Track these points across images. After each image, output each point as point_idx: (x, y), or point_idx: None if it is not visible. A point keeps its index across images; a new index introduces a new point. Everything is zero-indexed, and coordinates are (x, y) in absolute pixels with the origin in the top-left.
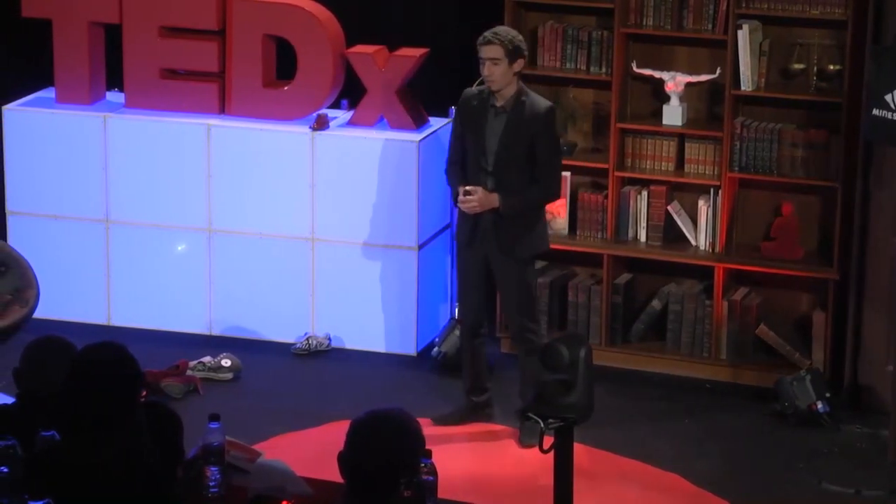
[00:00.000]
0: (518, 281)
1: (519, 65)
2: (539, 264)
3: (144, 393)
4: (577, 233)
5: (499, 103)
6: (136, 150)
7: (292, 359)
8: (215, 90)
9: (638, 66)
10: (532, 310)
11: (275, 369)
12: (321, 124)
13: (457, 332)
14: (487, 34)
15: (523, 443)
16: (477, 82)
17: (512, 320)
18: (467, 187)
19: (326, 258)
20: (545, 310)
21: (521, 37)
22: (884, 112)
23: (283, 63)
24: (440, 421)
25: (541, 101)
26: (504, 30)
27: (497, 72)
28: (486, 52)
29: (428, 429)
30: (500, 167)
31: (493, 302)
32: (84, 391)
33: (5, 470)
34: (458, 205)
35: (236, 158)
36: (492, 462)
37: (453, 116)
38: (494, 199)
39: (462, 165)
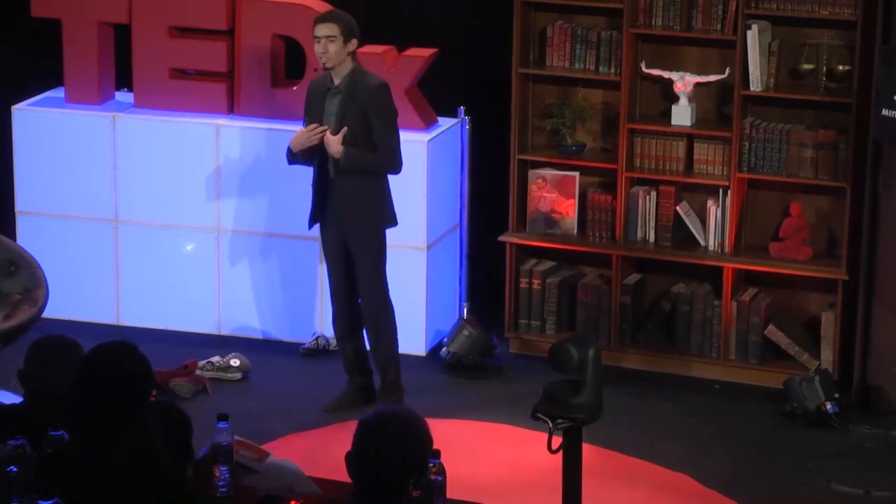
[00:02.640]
0: (364, 258)
1: (353, 45)
2: (548, 264)
3: (154, 392)
4: (586, 233)
5: (335, 83)
6: (145, 149)
7: (301, 359)
8: (224, 90)
9: (647, 67)
10: (381, 289)
11: (283, 369)
12: None
13: (465, 332)
14: (324, 13)
15: (325, 408)
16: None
17: (365, 296)
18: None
19: None
20: (554, 310)
21: (353, 19)
22: (893, 112)
23: (292, 63)
24: (329, 408)
25: (373, 79)
26: (339, 11)
27: (332, 49)
28: (322, 30)
29: (436, 429)
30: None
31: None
32: (94, 390)
33: (15, 469)
34: (302, 141)
35: (245, 158)
36: (500, 462)
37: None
38: (339, 148)
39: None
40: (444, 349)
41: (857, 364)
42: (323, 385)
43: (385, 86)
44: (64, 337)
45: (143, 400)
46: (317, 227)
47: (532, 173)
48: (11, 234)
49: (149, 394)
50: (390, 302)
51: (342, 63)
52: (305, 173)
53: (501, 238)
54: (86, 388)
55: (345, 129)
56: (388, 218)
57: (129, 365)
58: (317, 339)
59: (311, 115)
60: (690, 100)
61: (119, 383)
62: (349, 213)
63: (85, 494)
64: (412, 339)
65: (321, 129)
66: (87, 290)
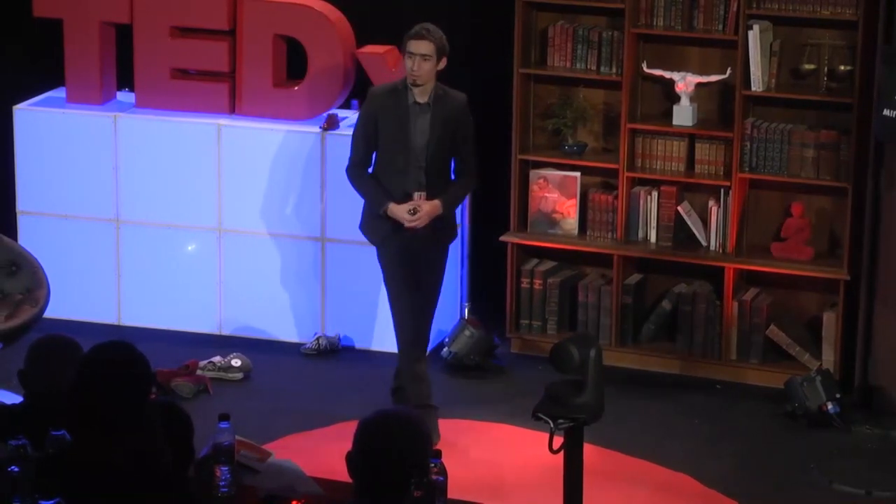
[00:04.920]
0: (441, 275)
1: (443, 63)
2: (549, 264)
3: (154, 391)
4: (588, 233)
5: (420, 99)
6: (147, 149)
7: (302, 359)
8: (226, 90)
9: (648, 67)
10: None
11: (285, 369)
12: (331, 124)
13: (466, 333)
14: (420, 30)
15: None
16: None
17: (431, 310)
18: (413, 204)
19: (337, 258)
20: (555, 310)
21: (445, 37)
22: (894, 112)
23: (294, 63)
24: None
25: (458, 94)
26: (434, 27)
27: (426, 67)
28: (419, 47)
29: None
30: (432, 162)
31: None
32: (93, 392)
33: (16, 469)
34: (407, 223)
35: (247, 158)
36: (502, 462)
37: (362, 114)
38: (437, 206)
39: (369, 166)
40: (445, 349)
41: (859, 364)
42: (324, 385)
43: (468, 101)
44: (63, 337)
45: (143, 399)
46: (315, 224)
47: (533, 173)
48: (13, 234)
49: (149, 392)
50: None
51: (430, 81)
52: (306, 173)
53: (502, 238)
54: (85, 389)
55: (436, 202)
56: (455, 232)
57: (127, 364)
58: (318, 339)
59: (392, 129)
60: (692, 100)
61: (118, 383)
62: (433, 235)
63: (87, 495)
64: None
65: (419, 216)
66: (88, 290)
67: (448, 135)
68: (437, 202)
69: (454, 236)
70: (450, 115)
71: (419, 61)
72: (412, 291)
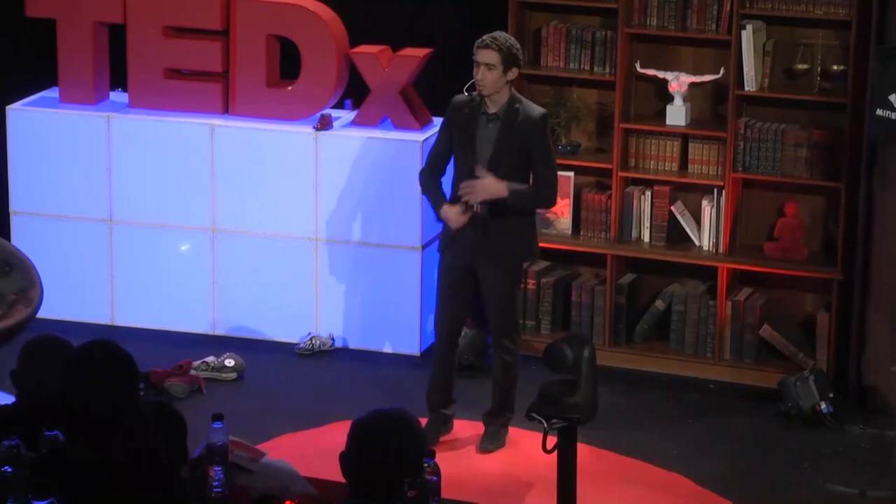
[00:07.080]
0: (501, 291)
1: (513, 73)
2: (543, 264)
3: (142, 387)
4: (581, 233)
5: (491, 110)
6: (140, 149)
7: (296, 359)
8: (219, 90)
9: (642, 67)
10: (513, 325)
11: (278, 369)
12: (325, 124)
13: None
14: (486, 38)
15: (482, 448)
16: (466, 87)
17: (493, 332)
18: (465, 198)
19: (330, 258)
20: (549, 310)
21: (518, 45)
22: (887, 112)
23: (288, 63)
24: None
25: (534, 108)
26: (504, 36)
27: (490, 77)
28: (483, 56)
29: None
30: (493, 175)
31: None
32: (79, 393)
33: (10, 470)
34: (452, 224)
35: (240, 158)
36: (495, 462)
37: (442, 122)
38: (501, 187)
39: (440, 173)
40: None
41: (852, 364)
42: (317, 385)
43: (547, 117)
44: (56, 337)
45: (131, 396)
46: (309, 224)
47: None
48: (6, 234)
49: (136, 389)
50: (519, 338)
51: (499, 91)
52: (299, 173)
53: None
54: (71, 390)
55: (502, 183)
56: (532, 253)
57: (110, 363)
58: (312, 339)
59: (461, 137)
60: (685, 100)
61: (104, 382)
62: (493, 248)
63: (82, 495)
64: (407, 338)
65: (475, 186)
66: (81, 290)
67: (514, 149)
68: (504, 183)
69: (520, 259)
70: (518, 129)
71: (483, 70)
72: (447, 304)
